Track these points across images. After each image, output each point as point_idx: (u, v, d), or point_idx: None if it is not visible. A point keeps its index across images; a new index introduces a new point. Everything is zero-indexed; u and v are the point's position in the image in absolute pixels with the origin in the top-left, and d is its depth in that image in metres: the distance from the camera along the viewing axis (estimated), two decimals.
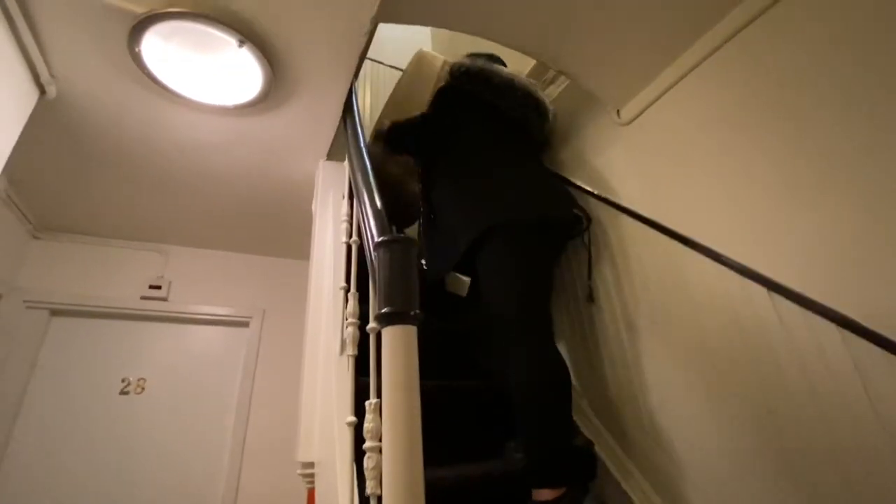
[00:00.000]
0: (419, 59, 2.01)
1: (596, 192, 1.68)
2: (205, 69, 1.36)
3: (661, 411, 1.34)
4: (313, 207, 1.85)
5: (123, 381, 2.22)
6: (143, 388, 2.24)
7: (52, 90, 1.40)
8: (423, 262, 1.64)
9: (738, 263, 1.21)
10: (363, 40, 1.29)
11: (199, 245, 2.59)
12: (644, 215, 1.50)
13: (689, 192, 1.40)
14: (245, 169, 1.88)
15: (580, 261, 1.66)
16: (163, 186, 1.97)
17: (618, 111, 1.69)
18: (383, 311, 0.79)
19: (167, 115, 1.55)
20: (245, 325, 2.53)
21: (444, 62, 1.97)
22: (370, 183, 1.16)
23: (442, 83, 1.74)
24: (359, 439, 1.06)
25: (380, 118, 2.03)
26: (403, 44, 3.21)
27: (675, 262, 1.38)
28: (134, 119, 1.56)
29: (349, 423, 1.07)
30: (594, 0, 1.35)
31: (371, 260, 0.95)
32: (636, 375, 1.43)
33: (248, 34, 1.22)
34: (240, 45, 1.22)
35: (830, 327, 1.01)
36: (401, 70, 3.12)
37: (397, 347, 0.77)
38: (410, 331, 0.78)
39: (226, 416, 2.32)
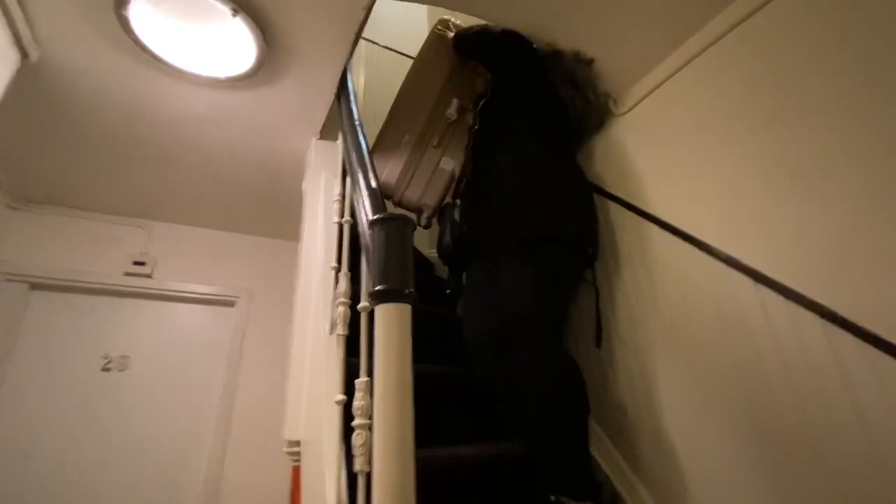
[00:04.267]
0: (444, 26, 1.89)
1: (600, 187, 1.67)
2: (195, 39, 1.31)
3: (647, 405, 1.37)
4: (304, 186, 1.82)
5: (105, 358, 2.19)
6: (125, 366, 2.21)
7: (34, 54, 1.34)
8: (456, 215, 1.60)
9: (725, 254, 1.23)
10: (361, 14, 1.26)
11: (185, 222, 2.53)
12: (636, 205, 1.51)
13: (680, 183, 1.41)
14: (235, 144, 1.84)
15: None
16: (149, 159, 1.92)
17: (614, 101, 1.69)
18: (377, 288, 0.78)
19: (155, 85, 1.50)
20: (231, 304, 2.50)
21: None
22: (365, 161, 1.15)
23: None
24: (347, 418, 1.06)
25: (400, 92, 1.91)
26: (399, 25, 3.15)
27: (665, 252, 1.40)
28: (121, 88, 1.51)
29: (338, 402, 1.07)
30: None
31: (365, 238, 0.94)
32: (625, 369, 1.46)
33: (242, 3, 1.18)
34: (233, 15, 1.18)
35: (813, 318, 1.03)
36: (396, 52, 3.07)
37: (391, 325, 0.77)
38: (404, 309, 0.78)
39: (210, 397, 2.30)
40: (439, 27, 1.87)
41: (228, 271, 2.57)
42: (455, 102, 1.85)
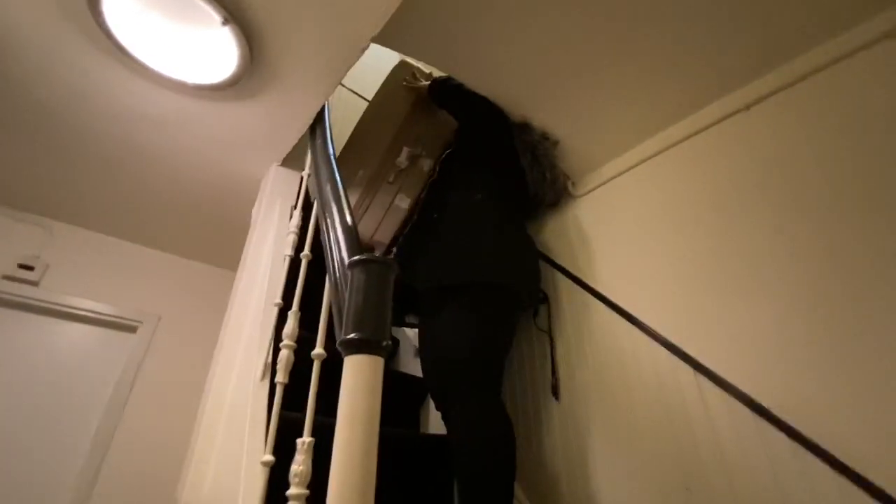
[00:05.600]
0: (402, 67, 1.88)
1: (552, 259, 1.72)
2: (171, 37, 1.21)
3: (583, 482, 1.34)
4: (254, 212, 1.69)
5: None
6: None
7: None
8: (392, 251, 1.52)
9: (667, 340, 1.29)
10: (356, 55, 1.26)
11: (95, 227, 2.21)
12: (583, 279, 1.57)
13: (630, 269, 1.50)
14: (184, 154, 1.68)
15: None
16: (73, 151, 1.67)
17: (572, 182, 1.81)
18: (350, 336, 0.70)
19: (109, 74, 1.34)
20: (132, 329, 2.16)
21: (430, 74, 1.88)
22: (340, 196, 1.09)
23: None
24: (273, 484, 0.91)
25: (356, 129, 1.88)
26: (368, 71, 3.20)
27: (608, 328, 1.45)
28: (67, 70, 1.33)
29: (265, 463, 0.93)
30: (575, 81, 1.46)
31: (337, 279, 0.86)
32: (561, 436, 1.44)
33: (236, 13, 1.12)
34: (223, 23, 1.11)
35: (746, 412, 1.10)
36: (360, 96, 3.10)
37: (361, 380, 0.68)
38: (377, 363, 0.70)
39: (80, 440, 1.89)
40: (406, 79, 1.87)
41: (135, 291, 2.25)
42: (406, 151, 1.82)
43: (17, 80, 1.37)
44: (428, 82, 1.78)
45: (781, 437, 1.03)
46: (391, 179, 1.82)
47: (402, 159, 1.79)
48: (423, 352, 1.41)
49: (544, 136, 1.71)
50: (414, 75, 1.87)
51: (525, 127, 1.70)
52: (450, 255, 1.41)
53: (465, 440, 1.18)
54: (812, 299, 1.09)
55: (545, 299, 1.61)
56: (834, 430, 0.98)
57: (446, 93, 1.73)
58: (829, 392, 1.01)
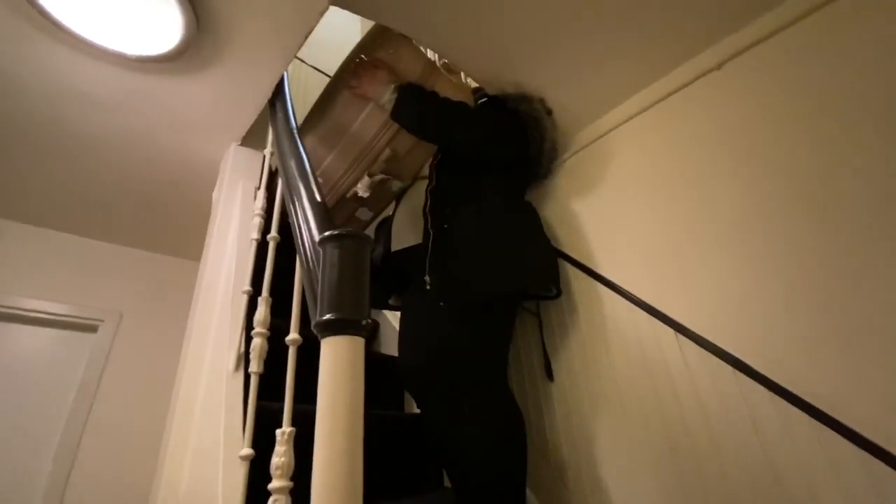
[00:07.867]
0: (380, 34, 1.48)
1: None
2: (105, 4, 1.09)
3: (570, 451, 1.36)
4: (214, 196, 1.58)
5: None
6: None
7: None
8: (427, 279, 1.29)
9: (648, 304, 1.30)
10: (315, 18, 1.16)
11: (39, 223, 2.04)
12: (564, 251, 1.56)
13: (608, 236, 1.49)
14: (132, 136, 1.54)
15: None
16: (10, 141, 1.52)
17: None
18: (326, 317, 0.65)
19: (41, 50, 1.20)
20: (92, 329, 2.03)
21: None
22: (307, 172, 1.02)
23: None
24: (255, 478, 0.87)
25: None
26: (328, 47, 3.06)
27: (592, 300, 1.45)
28: None
29: (244, 457, 0.88)
30: (547, 37, 1.41)
31: (308, 259, 0.80)
32: (548, 414, 1.45)
33: None
34: None
35: (726, 369, 1.12)
36: (321, 72, 2.94)
37: (340, 363, 0.64)
38: (357, 343, 0.66)
39: (44, 451, 1.78)
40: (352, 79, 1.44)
41: (92, 288, 2.11)
42: (367, 181, 1.51)
43: None
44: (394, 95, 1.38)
45: (759, 388, 1.05)
46: (349, 196, 1.58)
47: (363, 188, 1.52)
48: (412, 342, 1.30)
49: (542, 105, 1.61)
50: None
51: (524, 98, 1.59)
52: (493, 263, 1.30)
53: (486, 437, 1.14)
54: (791, 255, 1.10)
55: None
56: (809, 378, 1.01)
57: (428, 129, 1.43)
58: (804, 343, 1.04)
